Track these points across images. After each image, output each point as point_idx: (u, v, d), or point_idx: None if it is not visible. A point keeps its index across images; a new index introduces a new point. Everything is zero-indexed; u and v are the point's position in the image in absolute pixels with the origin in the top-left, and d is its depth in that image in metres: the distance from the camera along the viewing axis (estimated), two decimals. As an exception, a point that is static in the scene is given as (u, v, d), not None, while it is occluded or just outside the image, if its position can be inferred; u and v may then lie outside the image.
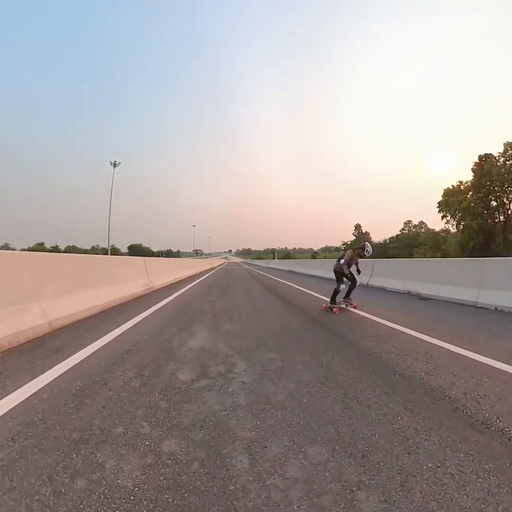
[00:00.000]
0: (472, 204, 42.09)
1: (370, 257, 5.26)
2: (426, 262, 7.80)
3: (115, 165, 40.00)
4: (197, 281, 11.06)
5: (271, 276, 14.93)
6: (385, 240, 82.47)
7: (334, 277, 5.21)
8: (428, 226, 75.55)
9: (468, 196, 43.48)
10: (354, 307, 5.10)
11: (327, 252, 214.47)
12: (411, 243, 65.11)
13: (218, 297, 6.55)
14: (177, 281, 10.14)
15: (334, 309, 4.81)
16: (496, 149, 42.71)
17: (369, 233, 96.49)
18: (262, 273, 18.77)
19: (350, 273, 5.17)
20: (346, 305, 5.11)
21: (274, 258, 60.24)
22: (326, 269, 13.50)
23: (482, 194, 41.90)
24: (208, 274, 16.04)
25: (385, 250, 67.79)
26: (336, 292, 4.93)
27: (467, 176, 54.86)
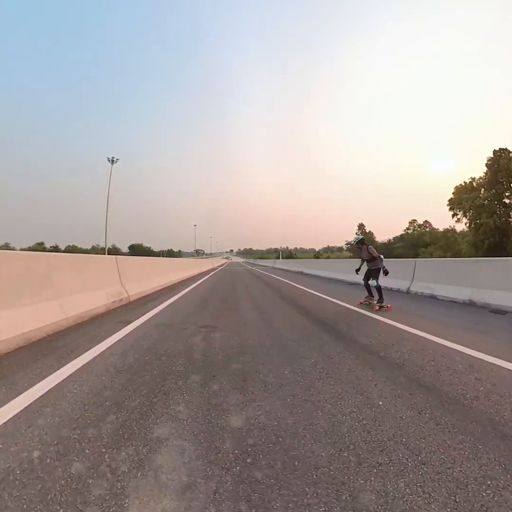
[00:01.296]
0: (485, 201, 39.90)
1: (353, 248, 5.02)
2: (492, 262, 5.86)
3: (113, 161, 38.08)
4: (191, 287, 9.10)
5: (284, 280, 13.01)
6: (390, 239, 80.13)
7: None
8: (433, 226, 73.44)
9: (482, 192, 41.25)
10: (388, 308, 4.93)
11: (329, 252, 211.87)
12: (416, 243, 62.69)
13: (216, 319, 4.24)
14: (164, 287, 8.19)
15: (360, 301, 5.52)
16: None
17: (372, 233, 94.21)
18: (272, 275, 16.44)
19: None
20: (379, 307, 5.00)
21: (279, 258, 58.42)
22: (349, 272, 11.51)
23: (495, 191, 39.73)
24: (207, 276, 14.04)
25: (389, 250, 65.49)
26: (371, 286, 5.48)
27: (468, 175, 52.99)
